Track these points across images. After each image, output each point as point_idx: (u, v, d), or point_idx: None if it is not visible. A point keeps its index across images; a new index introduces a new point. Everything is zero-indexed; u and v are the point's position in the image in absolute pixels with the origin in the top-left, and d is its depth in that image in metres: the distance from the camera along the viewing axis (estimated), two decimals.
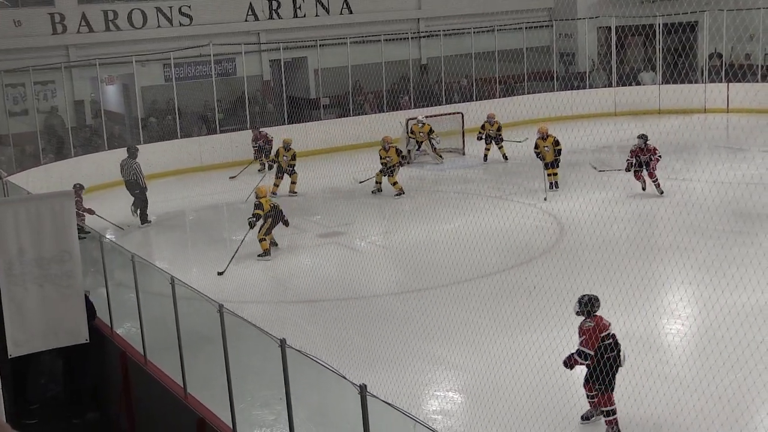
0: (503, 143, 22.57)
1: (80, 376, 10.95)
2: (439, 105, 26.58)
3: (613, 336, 8.95)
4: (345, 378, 6.31)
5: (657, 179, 18.02)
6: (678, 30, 27.33)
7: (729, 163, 20.08)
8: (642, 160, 17.98)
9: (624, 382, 9.43)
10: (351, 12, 28.09)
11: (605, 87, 28.93)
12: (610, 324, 9.04)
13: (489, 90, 28.35)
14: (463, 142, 23.81)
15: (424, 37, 29.13)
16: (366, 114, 26.21)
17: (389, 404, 5.88)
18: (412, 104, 26.94)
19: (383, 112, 26.41)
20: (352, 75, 26.41)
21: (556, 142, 19.25)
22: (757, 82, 27.19)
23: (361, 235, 16.86)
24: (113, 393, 10.65)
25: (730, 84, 27.45)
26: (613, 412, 8.83)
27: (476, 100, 27.38)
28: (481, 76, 28.33)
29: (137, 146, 20.08)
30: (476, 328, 11.40)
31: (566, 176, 19.86)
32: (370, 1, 28.31)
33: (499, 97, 27.66)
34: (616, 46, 28.99)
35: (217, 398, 8.44)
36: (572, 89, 28.56)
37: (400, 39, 28.03)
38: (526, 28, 29.24)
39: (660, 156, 17.97)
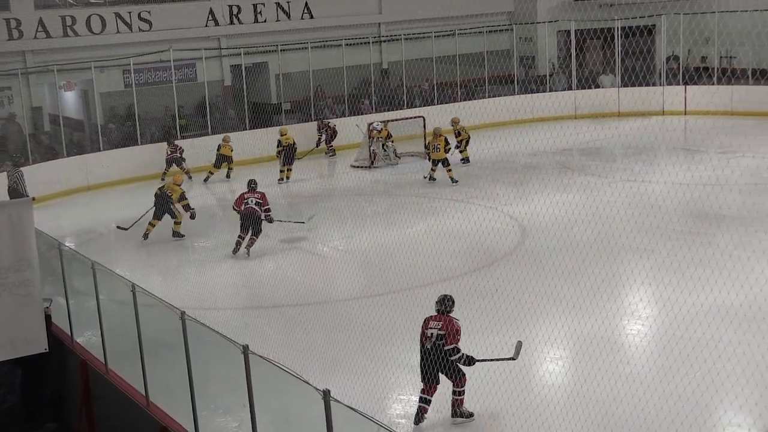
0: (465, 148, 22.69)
1: (39, 387, 10.82)
2: (401, 109, 26.65)
3: (431, 336, 9.25)
4: (308, 383, 6.29)
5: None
6: (636, 34, 27.66)
7: (687, 165, 20.36)
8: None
9: (586, 383, 9.53)
10: (312, 17, 28.07)
11: (565, 90, 29.18)
12: (437, 324, 9.35)
13: (450, 94, 28.46)
14: (425, 145, 23.86)
15: (385, 41, 29.19)
16: (327, 119, 26.19)
17: (353, 409, 5.87)
18: (374, 108, 26.97)
19: (345, 116, 26.45)
20: (313, 80, 26.39)
21: (447, 141, 20.52)
22: (713, 84, 27.59)
23: (323, 240, 16.84)
24: (73, 403, 10.53)
25: (688, 86, 27.84)
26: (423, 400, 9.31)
27: (437, 103, 27.50)
28: (442, 80, 28.45)
29: (21, 156, 20.97)
30: None
31: (527, 179, 20.01)
32: (331, 5, 28.29)
33: (460, 101, 27.77)
34: (576, 50, 29.26)
35: (179, 406, 8.38)
36: (532, 92, 28.77)
37: (361, 43, 28.07)
38: (486, 31, 29.41)
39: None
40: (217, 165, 22.75)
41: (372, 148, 22.95)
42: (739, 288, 11.49)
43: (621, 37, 28.18)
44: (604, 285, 12.55)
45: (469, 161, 22.46)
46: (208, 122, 24.84)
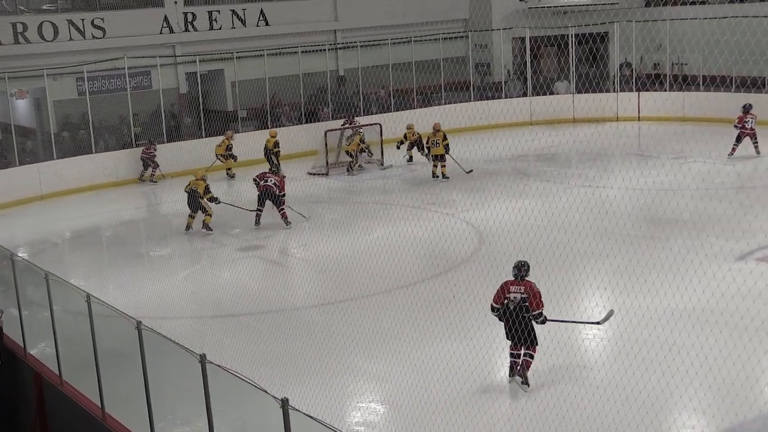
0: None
1: None
2: (358, 116, 26.65)
3: (514, 300, 9.94)
4: (266, 392, 6.28)
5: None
6: (589, 41, 28.02)
7: (641, 170, 20.64)
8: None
9: (544, 387, 9.61)
10: (267, 24, 28.00)
11: (521, 96, 29.42)
12: (519, 289, 10.01)
13: (406, 101, 28.56)
14: (382, 152, 23.89)
15: (341, 48, 29.20)
16: (284, 126, 26.14)
17: (312, 417, 5.87)
18: (331, 116, 26.96)
19: (301, 123, 26.41)
20: (269, 87, 26.33)
21: (445, 137, 21.14)
22: (665, 90, 28.01)
23: (281, 248, 16.80)
24: (27, 416, 10.39)
25: (641, 93, 28.20)
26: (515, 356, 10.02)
27: (394, 110, 27.56)
28: (398, 87, 28.52)
29: None
30: (397, 339, 11.47)
31: (484, 185, 20.13)
32: (286, 12, 28.25)
33: (417, 108, 27.87)
34: (531, 57, 29.52)
35: (136, 418, 8.31)
36: (488, 99, 28.98)
37: (318, 51, 28.04)
38: (442, 39, 29.55)
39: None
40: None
41: (355, 151, 23.06)
42: (692, 291, 11.66)
43: (575, 43, 28.50)
44: (561, 290, 12.64)
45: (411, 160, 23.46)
46: (164, 130, 24.65)
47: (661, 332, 10.79)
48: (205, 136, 24.99)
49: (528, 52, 29.39)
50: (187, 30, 26.74)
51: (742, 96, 25.84)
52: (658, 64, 29.68)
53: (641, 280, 12.21)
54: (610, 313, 10.40)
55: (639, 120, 28.09)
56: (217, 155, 23.35)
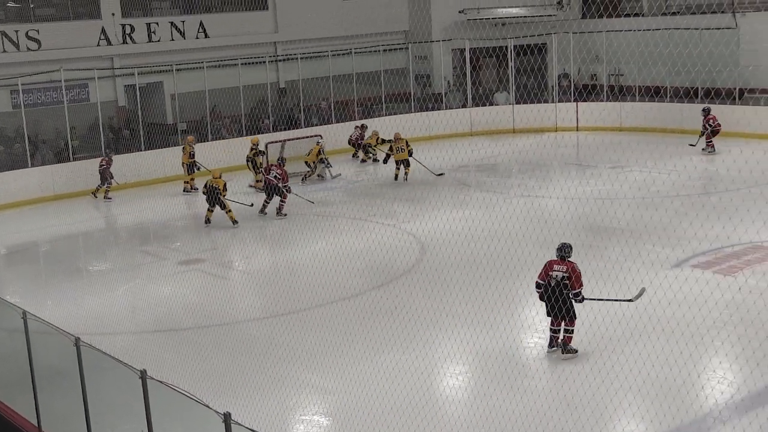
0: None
1: None
2: (299, 128, 26.63)
3: (556, 278, 10.72)
4: (208, 407, 6.24)
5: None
6: (527, 52, 28.38)
7: (579, 180, 20.93)
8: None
9: (485, 396, 9.69)
10: (207, 36, 27.84)
11: (461, 107, 29.65)
12: (561, 268, 10.77)
13: (348, 112, 28.60)
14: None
15: (281, 60, 29.16)
16: (224, 138, 25.98)
17: (254, 431, 5.84)
18: (272, 128, 26.88)
19: (242, 136, 26.27)
20: (209, 99, 26.16)
21: (408, 143, 22.17)
22: (603, 101, 28.49)
23: (222, 261, 16.69)
24: None
25: (579, 103, 28.64)
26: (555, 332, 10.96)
27: (335, 122, 27.60)
28: (339, 99, 28.57)
29: None
30: (340, 350, 11.46)
31: (426, 196, 20.24)
32: (226, 25, 28.13)
33: (358, 119, 27.93)
34: (471, 68, 29.79)
35: None
36: (429, 110, 29.16)
37: (258, 63, 27.96)
38: (382, 50, 29.69)
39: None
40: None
41: (314, 162, 23.04)
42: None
43: (514, 55, 28.85)
44: (502, 299, 12.77)
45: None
46: (102, 143, 24.32)
47: (600, 339, 10.95)
48: (145, 149, 24.72)
49: (468, 63, 29.67)
50: (125, 42, 26.47)
51: (676, 106, 26.47)
52: (596, 75, 30.19)
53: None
54: (642, 291, 11.13)
55: (577, 130, 28.51)
56: (183, 164, 23.01)
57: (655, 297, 11.68)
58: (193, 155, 22.86)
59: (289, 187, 19.53)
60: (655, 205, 17.97)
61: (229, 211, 18.88)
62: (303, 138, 24.25)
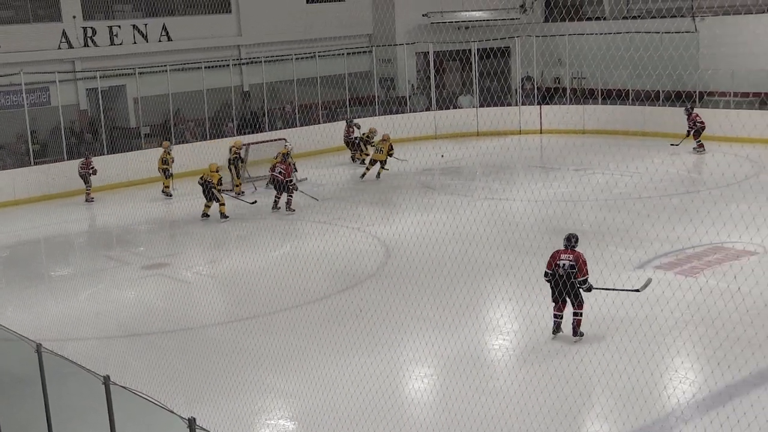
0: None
1: None
2: (263, 131, 26.54)
3: (563, 266, 11.27)
4: (173, 412, 6.21)
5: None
6: (490, 55, 28.54)
7: (543, 182, 21.08)
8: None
9: (451, 399, 9.72)
10: (170, 39, 27.67)
11: (425, 111, 29.72)
12: (568, 257, 11.30)
13: (312, 116, 28.57)
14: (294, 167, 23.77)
15: (245, 63, 29.05)
16: (188, 142, 25.84)
17: None
18: (236, 131, 26.78)
19: (206, 139, 26.13)
20: (172, 103, 26.00)
21: (391, 147, 22.98)
22: (565, 104, 28.73)
23: (186, 265, 16.58)
24: None
25: (542, 106, 28.85)
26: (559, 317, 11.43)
27: (300, 126, 27.55)
28: (303, 102, 28.53)
29: None
30: (305, 354, 11.45)
31: (391, 199, 20.26)
32: (189, 28, 27.97)
33: (323, 123, 27.90)
34: (435, 71, 29.89)
35: None
36: (393, 113, 29.19)
37: (222, 66, 27.85)
38: (346, 54, 29.69)
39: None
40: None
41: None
42: (593, 300, 11.97)
43: (477, 58, 29.00)
44: (467, 302, 12.84)
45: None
46: (64, 147, 24.07)
47: (564, 341, 11.04)
48: (108, 153, 24.51)
49: (432, 66, 29.76)
50: (86, 45, 26.23)
51: (637, 109, 26.75)
52: (559, 78, 30.44)
53: (544, 290, 12.44)
54: (648, 281, 11.59)
55: (541, 133, 28.72)
56: (160, 169, 22.79)
57: (618, 298, 11.82)
58: (167, 161, 22.59)
59: (296, 185, 20.04)
60: (618, 208, 18.14)
61: (222, 204, 19.43)
62: (267, 141, 24.17)
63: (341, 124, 26.84)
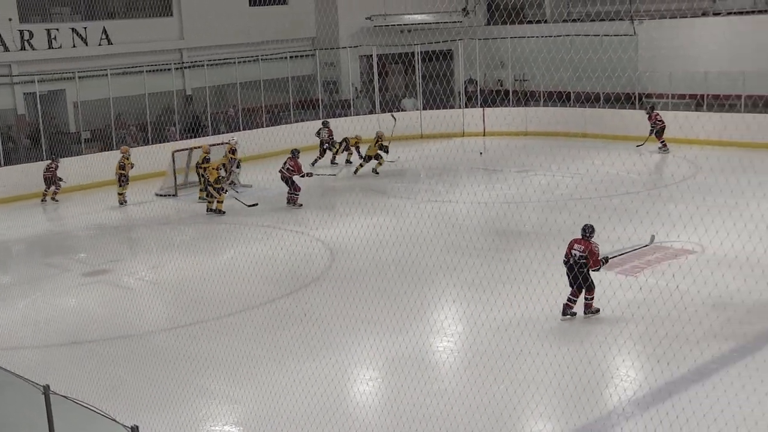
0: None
1: None
2: (206, 136, 26.35)
3: (575, 255, 11.95)
4: (115, 421, 6.14)
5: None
6: (433, 58, 28.71)
7: (486, 184, 21.25)
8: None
9: (396, 402, 9.76)
10: (111, 43, 27.32)
11: (369, 113, 29.77)
12: (580, 247, 11.97)
13: (256, 119, 28.44)
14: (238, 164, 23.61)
15: (187, 67, 28.82)
16: (130, 147, 25.49)
17: None
18: (178, 135, 26.55)
19: (148, 144, 25.86)
20: (114, 107, 25.68)
21: (380, 147, 23.48)
22: (507, 106, 29.00)
23: (129, 272, 16.38)
24: None
25: (485, 109, 29.08)
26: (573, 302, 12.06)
27: (243, 129, 27.39)
28: (247, 106, 28.38)
29: None
30: (250, 359, 11.39)
31: (335, 203, 20.26)
32: (130, 31, 27.63)
33: (266, 126, 27.80)
34: (378, 74, 29.96)
35: None
36: (337, 117, 29.18)
37: (163, 70, 27.57)
38: (290, 57, 29.61)
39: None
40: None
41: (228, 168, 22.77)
42: (536, 301, 12.13)
43: (421, 61, 29.13)
44: (412, 304, 12.89)
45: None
46: (0, 153, 23.62)
47: (507, 342, 11.14)
48: (47, 159, 24.09)
49: (375, 69, 29.83)
50: (23, 48, 25.77)
51: (578, 111, 27.11)
52: (501, 80, 30.72)
53: (488, 292, 12.58)
54: (653, 237, 12.80)
55: (484, 135, 28.94)
56: (117, 174, 22.21)
57: (561, 298, 11.97)
58: (124, 166, 21.99)
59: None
60: (560, 208, 18.35)
61: (220, 202, 19.94)
62: (211, 146, 23.96)
63: (286, 128, 26.77)
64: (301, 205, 20.10)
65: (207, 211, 20.12)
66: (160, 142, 25.71)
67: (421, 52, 29.15)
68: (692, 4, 28.01)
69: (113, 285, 15.59)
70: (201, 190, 21.61)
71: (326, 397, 9.87)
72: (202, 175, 21.19)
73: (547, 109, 28.27)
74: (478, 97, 29.90)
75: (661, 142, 24.42)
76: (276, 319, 12.92)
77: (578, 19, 30.17)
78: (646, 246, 12.40)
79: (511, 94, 29.67)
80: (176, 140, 25.85)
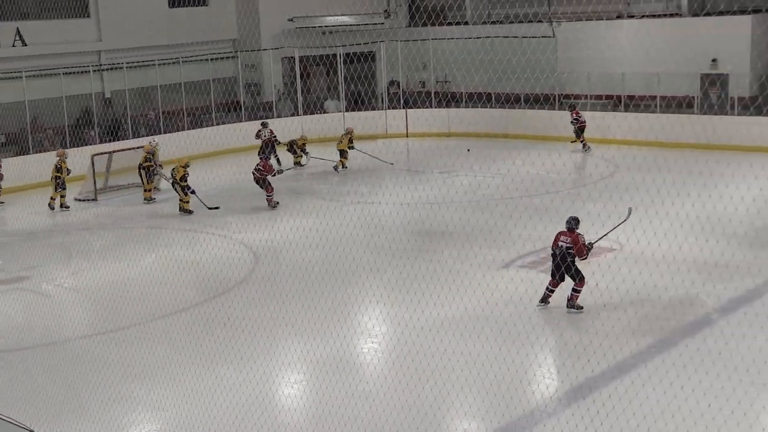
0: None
1: None
2: (127, 139, 25.94)
3: (561, 247, 12.11)
4: (15, 423, 6.03)
5: None
6: (354, 60, 28.78)
7: (409, 185, 21.38)
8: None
9: (321, 404, 9.77)
10: (25, 44, 26.65)
11: (292, 116, 29.69)
12: (566, 239, 12.12)
13: (177, 122, 28.11)
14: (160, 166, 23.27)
15: (106, 69, 28.29)
16: (47, 151, 24.96)
17: None
18: (98, 139, 26.08)
19: (66, 148, 25.30)
20: (29, 110, 25.09)
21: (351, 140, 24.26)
22: (429, 107, 29.24)
23: (47, 278, 16.04)
24: None
25: (408, 110, 29.27)
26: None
27: (164, 132, 27.03)
28: (168, 109, 28.02)
29: None
30: (174, 365, 11.28)
31: (258, 206, 20.11)
32: (46, 32, 27.01)
33: (188, 129, 27.50)
34: (301, 76, 29.90)
35: None
36: (260, 119, 28.96)
37: (82, 72, 27.02)
38: (211, 59, 29.34)
39: None
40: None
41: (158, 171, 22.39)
42: (459, 300, 12.27)
43: (344, 63, 29.17)
44: (336, 306, 12.92)
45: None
46: None
47: (432, 341, 11.24)
48: None
49: (298, 71, 29.76)
50: None
51: (499, 111, 27.48)
52: (424, 82, 30.95)
53: (412, 292, 12.65)
54: (630, 210, 13.01)
55: (407, 136, 29.12)
56: (53, 178, 21.49)
57: (483, 297, 12.12)
58: (60, 169, 21.29)
59: (270, 175, 20.12)
60: (482, 209, 18.58)
61: (185, 202, 19.90)
62: (131, 149, 23.64)
63: (209, 130, 26.55)
64: (278, 203, 20.00)
65: (180, 210, 20.06)
66: (79, 146, 25.22)
67: (344, 54, 29.20)
68: (607, 6, 28.65)
69: (32, 292, 15.25)
70: (146, 191, 21.63)
71: (251, 402, 9.83)
72: (146, 177, 21.55)
73: (469, 110, 28.58)
74: (401, 98, 30.07)
75: (581, 141, 24.87)
76: (199, 324, 12.81)
77: (498, 21, 30.56)
78: (625, 221, 12.75)
79: (433, 95, 29.92)
80: (95, 144, 25.39)
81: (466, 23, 31.42)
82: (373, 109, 30.21)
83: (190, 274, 15.28)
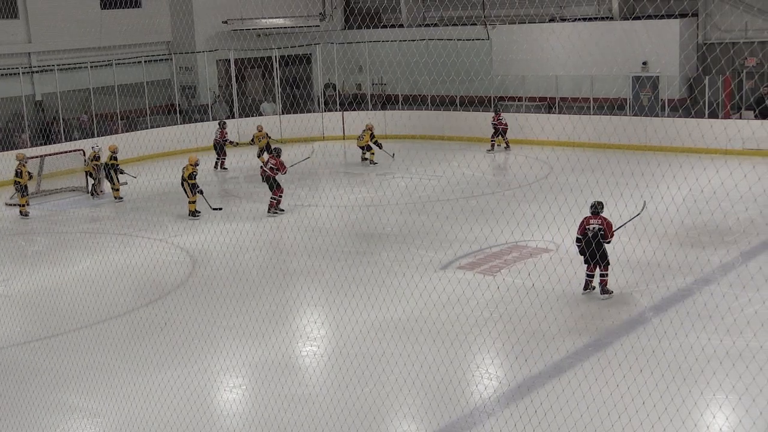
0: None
1: None
2: (59, 143, 25.50)
3: (593, 229, 12.50)
4: None
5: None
6: (290, 63, 28.72)
7: (346, 188, 21.39)
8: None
9: (260, 408, 9.73)
10: None
11: (228, 118, 29.48)
12: (597, 221, 12.57)
13: (111, 125, 27.71)
14: (86, 179, 22.96)
15: (36, 72, 27.77)
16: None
17: None
18: (29, 143, 25.59)
19: None
20: None
21: (372, 135, 24.41)
22: (365, 110, 29.30)
23: None
24: None
25: (345, 112, 29.28)
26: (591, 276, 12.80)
27: (98, 135, 26.62)
28: (101, 112, 27.61)
29: None
30: (110, 371, 11.13)
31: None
32: None
33: (122, 132, 27.12)
34: (237, 78, 29.72)
35: None
36: (195, 122, 28.77)
37: (11, 74, 26.49)
38: (145, 61, 28.99)
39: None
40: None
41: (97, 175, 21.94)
42: (398, 302, 12.31)
43: (280, 65, 29.08)
44: (274, 309, 12.88)
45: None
46: None
47: (371, 344, 11.27)
48: None
49: (233, 74, 29.57)
50: None
51: (435, 114, 27.67)
52: (360, 84, 31.00)
53: (350, 295, 12.67)
54: (645, 204, 13.39)
55: (344, 139, 29.13)
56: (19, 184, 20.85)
57: (420, 299, 12.19)
58: (20, 173, 20.63)
59: (278, 173, 19.22)
60: (419, 210, 18.68)
61: (192, 202, 19.17)
62: (63, 153, 23.27)
63: (143, 133, 26.23)
64: (283, 210, 19.20)
65: (189, 215, 19.27)
66: (9, 150, 24.68)
67: (280, 57, 29.11)
68: (540, 10, 29.02)
69: None
70: (116, 189, 21.61)
71: (190, 407, 9.74)
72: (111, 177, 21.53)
73: (406, 113, 28.70)
74: (337, 100, 30.08)
75: (491, 142, 25.43)
76: (135, 330, 12.66)
77: (433, 24, 30.78)
78: (639, 214, 13.20)
79: (369, 97, 29.99)
80: (26, 147, 24.90)
81: (401, 26, 31.56)
82: (310, 111, 30.18)
83: (126, 279, 15.09)
